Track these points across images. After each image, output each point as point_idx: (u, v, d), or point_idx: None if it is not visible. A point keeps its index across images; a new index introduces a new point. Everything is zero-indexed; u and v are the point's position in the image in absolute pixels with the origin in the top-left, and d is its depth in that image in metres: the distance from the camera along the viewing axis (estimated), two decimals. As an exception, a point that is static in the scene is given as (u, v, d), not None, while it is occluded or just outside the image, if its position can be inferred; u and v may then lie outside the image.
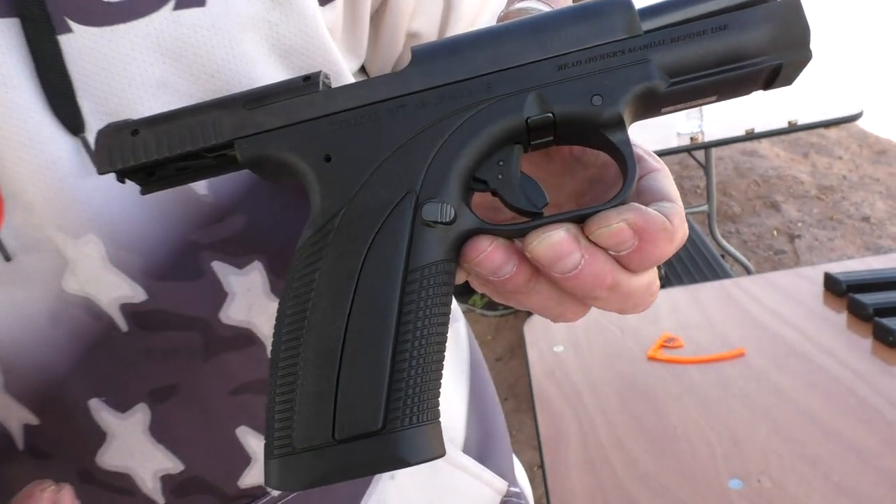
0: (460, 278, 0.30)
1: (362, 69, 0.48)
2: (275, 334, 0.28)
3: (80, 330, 0.38)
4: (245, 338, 0.41)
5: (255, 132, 0.29)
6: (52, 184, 0.34)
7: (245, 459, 0.44)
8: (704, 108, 2.06)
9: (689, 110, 2.06)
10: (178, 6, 0.34)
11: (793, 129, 2.02)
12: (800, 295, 1.05)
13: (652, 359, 0.97)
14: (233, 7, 0.35)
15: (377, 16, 0.46)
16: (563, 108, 0.28)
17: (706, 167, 2.49)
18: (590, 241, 0.27)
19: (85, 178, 0.34)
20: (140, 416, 0.41)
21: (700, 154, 2.68)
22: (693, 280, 2.09)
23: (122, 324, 0.38)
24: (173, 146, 0.29)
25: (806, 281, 1.09)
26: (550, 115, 0.28)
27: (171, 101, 0.34)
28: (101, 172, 0.30)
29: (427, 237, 0.28)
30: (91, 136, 0.34)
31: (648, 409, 0.87)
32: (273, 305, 0.41)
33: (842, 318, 0.98)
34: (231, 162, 0.30)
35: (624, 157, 0.28)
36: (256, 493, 0.45)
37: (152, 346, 0.39)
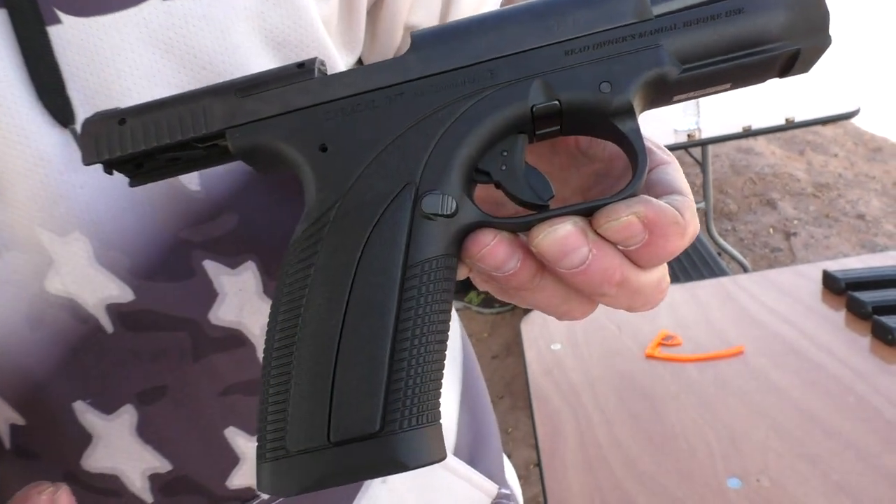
0: (462, 274, 0.29)
1: (359, 63, 0.47)
2: (268, 332, 0.27)
3: (64, 332, 0.37)
4: (235, 339, 0.40)
5: (247, 121, 0.28)
6: (39, 179, 0.33)
7: (233, 460, 0.43)
8: (701, 104, 2.05)
9: (686, 106, 2.07)
10: None
11: (789, 126, 2.03)
12: (798, 293, 1.05)
13: (650, 357, 0.97)
14: None
15: (375, 8, 0.45)
16: (570, 95, 0.27)
17: (703, 164, 2.49)
18: (598, 235, 0.26)
19: (73, 173, 0.33)
20: (127, 417, 0.40)
21: (697, 151, 2.68)
22: (689, 278, 2.09)
23: (107, 325, 0.37)
24: (162, 136, 0.28)
25: (804, 279, 1.08)
26: (557, 102, 0.27)
27: (162, 92, 0.33)
28: (86, 163, 0.29)
29: (427, 230, 0.26)
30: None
31: (646, 407, 0.87)
32: (265, 307, 0.40)
33: (840, 315, 0.98)
34: (223, 152, 0.29)
35: (634, 147, 0.27)
36: (246, 495, 0.44)
37: (139, 348, 0.38)
